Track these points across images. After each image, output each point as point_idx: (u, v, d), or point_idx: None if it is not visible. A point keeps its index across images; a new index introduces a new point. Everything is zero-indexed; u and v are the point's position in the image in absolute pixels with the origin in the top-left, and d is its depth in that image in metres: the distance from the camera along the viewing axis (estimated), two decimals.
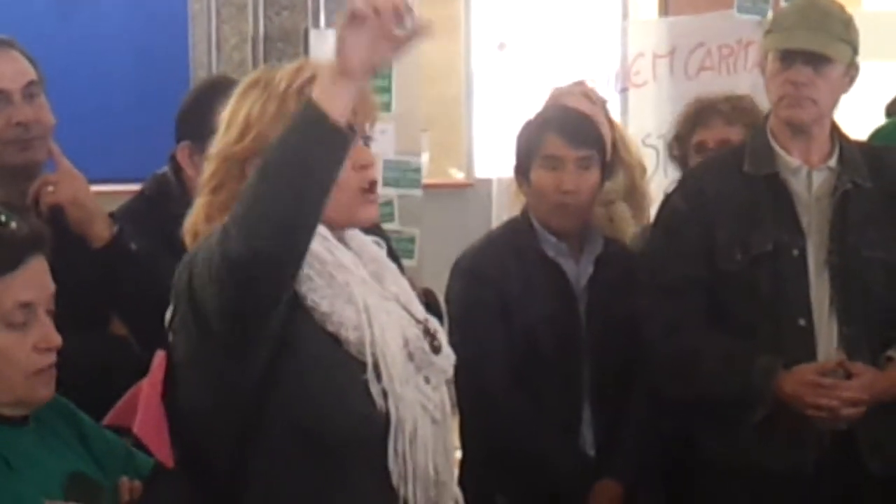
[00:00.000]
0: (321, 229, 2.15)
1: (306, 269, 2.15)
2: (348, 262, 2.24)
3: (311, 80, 2.17)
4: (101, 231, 2.81)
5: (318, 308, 2.18)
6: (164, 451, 2.19)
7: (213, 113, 2.99)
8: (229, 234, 1.99)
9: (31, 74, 2.87)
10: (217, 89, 3.06)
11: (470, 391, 3.23)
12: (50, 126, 2.88)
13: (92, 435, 2.16)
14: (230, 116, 2.27)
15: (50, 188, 2.81)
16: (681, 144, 3.74)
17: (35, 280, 2.05)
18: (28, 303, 2.03)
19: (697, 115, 3.70)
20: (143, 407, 2.23)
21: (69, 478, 2.04)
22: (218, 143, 2.28)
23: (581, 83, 4.30)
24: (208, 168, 2.28)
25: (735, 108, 3.67)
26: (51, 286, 2.08)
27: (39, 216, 2.74)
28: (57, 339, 2.06)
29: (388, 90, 5.00)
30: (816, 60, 3.06)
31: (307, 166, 1.98)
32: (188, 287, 2.11)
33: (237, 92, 2.29)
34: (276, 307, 2.09)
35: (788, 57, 3.08)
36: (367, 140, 2.29)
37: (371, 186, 2.27)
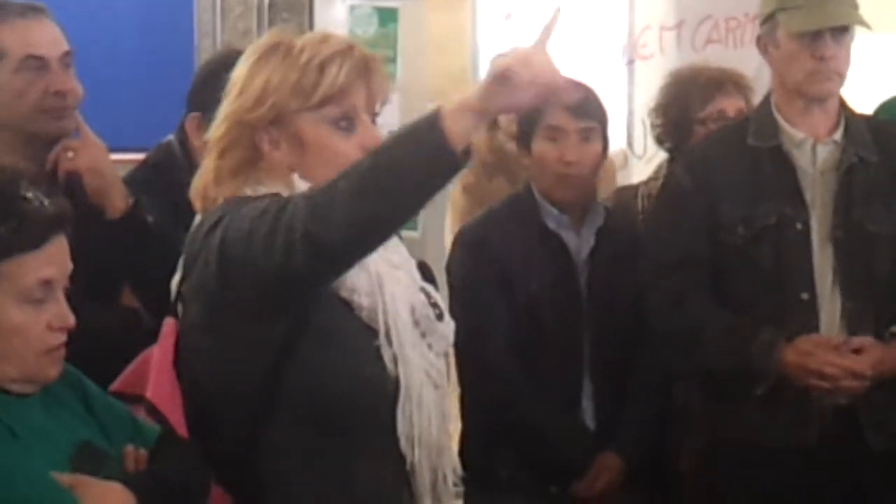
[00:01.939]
0: None
1: None
2: None
3: (336, 54, 2.21)
4: (118, 201, 2.82)
5: None
6: (177, 418, 2.20)
7: (223, 87, 3.02)
8: (326, 219, 1.99)
9: (66, 45, 2.87)
10: (231, 63, 3.08)
11: (470, 363, 3.24)
12: (80, 97, 2.89)
13: (98, 403, 2.15)
14: (246, 80, 2.26)
15: (70, 154, 2.82)
16: (684, 116, 3.67)
17: (56, 258, 2.05)
18: (49, 280, 2.03)
19: (716, 83, 3.65)
20: (156, 374, 2.24)
21: (76, 447, 2.04)
22: (231, 105, 2.27)
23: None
24: (218, 129, 2.28)
25: (739, 79, 3.67)
26: (69, 265, 2.08)
27: (56, 181, 2.74)
28: (71, 320, 2.06)
29: (393, 61, 4.98)
30: (839, 32, 3.05)
31: (416, 183, 2.00)
32: (219, 253, 2.12)
33: (254, 54, 2.28)
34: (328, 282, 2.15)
35: (812, 32, 3.04)
36: (374, 117, 2.30)
37: None
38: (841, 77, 3.09)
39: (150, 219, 2.85)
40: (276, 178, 2.23)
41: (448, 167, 1.99)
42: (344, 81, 2.22)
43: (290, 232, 2.02)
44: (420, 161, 1.98)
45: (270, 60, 2.25)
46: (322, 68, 2.22)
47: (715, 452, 3.15)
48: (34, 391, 2.05)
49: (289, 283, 2.08)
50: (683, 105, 3.69)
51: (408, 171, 1.98)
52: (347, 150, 2.22)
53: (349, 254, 2.07)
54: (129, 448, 2.11)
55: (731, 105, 3.61)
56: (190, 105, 3.13)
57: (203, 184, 2.29)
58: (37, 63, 2.81)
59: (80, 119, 2.86)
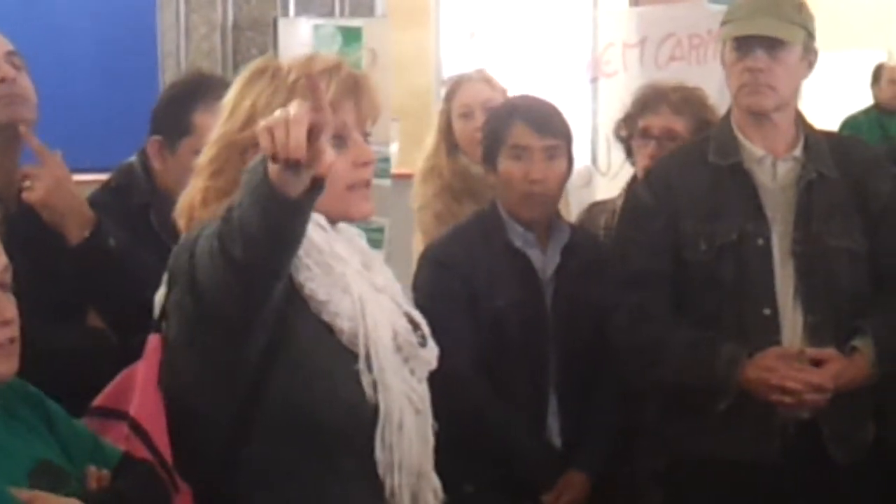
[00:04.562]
0: (320, 219, 2.20)
1: (304, 259, 2.17)
2: (344, 252, 2.27)
3: (323, 73, 2.21)
4: (76, 230, 2.80)
5: (315, 297, 2.20)
6: (161, 435, 2.20)
7: (188, 112, 3.04)
8: (231, 235, 1.98)
9: (10, 46, 2.86)
10: (197, 88, 3.10)
11: (436, 379, 3.23)
12: (30, 92, 2.87)
13: (60, 423, 2.15)
14: (234, 103, 2.27)
15: (27, 183, 2.80)
16: (628, 127, 3.73)
17: None
18: None
19: (646, 101, 3.69)
20: (141, 390, 2.24)
21: (36, 466, 2.03)
22: (220, 129, 2.28)
23: (482, 70, 4.37)
24: (208, 152, 2.28)
25: (684, 99, 3.65)
26: (3, 260, 2.07)
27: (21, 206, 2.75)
28: (11, 312, 2.05)
29: None
30: (772, 46, 3.08)
31: (269, 230, 1.96)
32: (189, 269, 2.11)
33: (242, 78, 2.29)
34: (269, 299, 2.10)
35: (745, 45, 3.09)
36: (367, 137, 2.30)
37: (366, 183, 2.29)
38: (775, 92, 3.10)
39: (112, 243, 2.84)
40: None
41: (290, 211, 1.95)
42: (332, 99, 2.21)
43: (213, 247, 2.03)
44: (263, 213, 1.95)
45: (258, 83, 2.26)
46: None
47: (677, 467, 3.16)
48: None
49: (234, 296, 2.06)
50: (627, 117, 3.74)
51: (259, 222, 1.95)
52: (339, 167, 2.19)
53: (257, 268, 2.02)
54: (91, 468, 2.11)
55: (656, 124, 3.62)
56: (152, 126, 3.12)
57: (189, 204, 2.28)
58: None
59: (39, 145, 2.85)
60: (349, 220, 2.32)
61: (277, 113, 1.91)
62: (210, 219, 2.17)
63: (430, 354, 2.37)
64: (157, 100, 3.19)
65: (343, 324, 2.20)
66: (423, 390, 2.35)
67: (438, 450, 3.36)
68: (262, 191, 1.93)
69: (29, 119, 2.85)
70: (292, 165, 1.90)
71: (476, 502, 3.28)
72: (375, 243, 4.85)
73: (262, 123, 1.91)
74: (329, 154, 1.94)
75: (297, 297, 2.19)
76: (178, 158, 2.99)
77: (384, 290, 2.33)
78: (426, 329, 2.38)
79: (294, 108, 1.90)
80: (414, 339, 2.33)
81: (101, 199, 3.09)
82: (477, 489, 3.28)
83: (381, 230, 5.03)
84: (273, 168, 1.91)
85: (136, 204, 3.04)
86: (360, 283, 2.26)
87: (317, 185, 1.95)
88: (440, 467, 3.32)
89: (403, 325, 2.33)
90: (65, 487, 2.03)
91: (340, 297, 2.21)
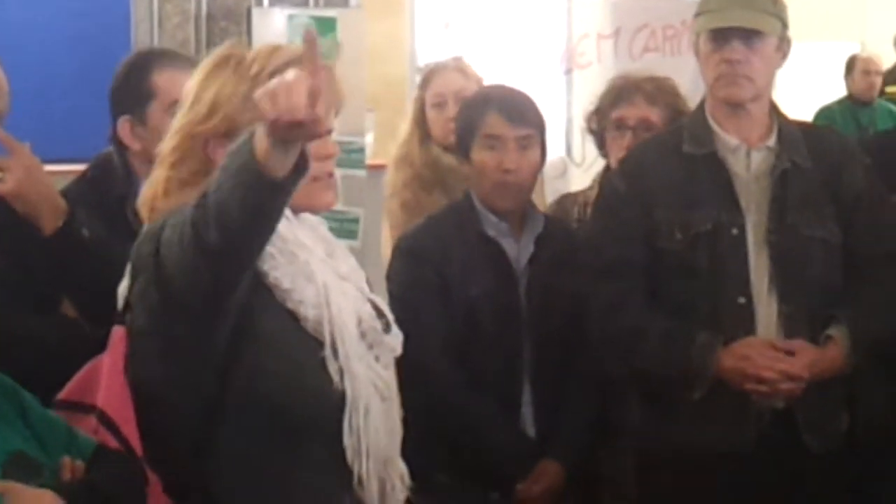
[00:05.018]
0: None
1: (269, 248, 2.17)
2: (307, 240, 2.27)
3: (287, 64, 2.18)
4: (49, 220, 2.79)
5: (280, 285, 2.21)
6: (130, 427, 2.20)
7: (145, 78, 3.01)
8: (206, 220, 1.99)
9: None
10: (145, 60, 3.08)
11: (408, 368, 3.23)
12: (5, 86, 2.85)
13: (34, 414, 2.15)
14: (197, 92, 2.26)
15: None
16: (600, 119, 3.72)
17: None
18: None
19: (620, 92, 3.69)
20: (107, 382, 2.24)
21: (9, 457, 2.03)
22: (182, 118, 2.27)
23: (458, 59, 4.37)
24: (170, 142, 2.27)
25: (658, 89, 3.65)
26: None
27: None
28: None
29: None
30: (749, 37, 3.09)
31: (250, 212, 1.98)
32: (154, 259, 2.11)
33: (205, 67, 2.28)
34: (236, 288, 2.11)
35: (721, 36, 3.10)
36: (329, 130, 2.29)
37: (329, 174, 2.29)
38: (752, 82, 3.11)
39: (85, 233, 2.83)
40: None
41: (272, 190, 1.96)
42: None
43: (184, 235, 2.04)
44: (245, 192, 1.96)
45: (221, 73, 2.25)
46: (273, 79, 2.21)
47: (652, 456, 3.17)
48: None
49: (203, 283, 2.07)
50: (599, 109, 3.72)
51: (240, 201, 1.97)
52: None
53: (231, 250, 2.04)
54: (66, 459, 2.11)
55: (632, 114, 3.61)
56: (115, 110, 3.08)
57: (152, 195, 2.28)
58: None
59: (7, 137, 2.83)
60: (313, 210, 2.33)
61: (275, 80, 1.92)
62: (172, 209, 2.17)
63: (395, 341, 2.38)
64: (111, 83, 3.13)
65: (308, 311, 2.21)
66: (390, 377, 2.36)
67: (411, 438, 3.38)
68: (249, 169, 1.93)
69: None
70: (292, 131, 1.90)
71: (450, 492, 3.29)
72: (350, 233, 4.86)
73: (260, 91, 1.92)
74: (329, 118, 1.94)
75: (261, 286, 2.19)
76: (152, 127, 2.95)
77: (348, 278, 2.34)
78: (390, 316, 2.39)
79: (290, 73, 1.91)
80: (378, 325, 2.34)
81: (77, 191, 3.08)
82: (451, 479, 3.29)
83: (356, 220, 5.04)
84: (262, 146, 1.92)
85: (112, 195, 3.02)
86: (325, 271, 2.26)
87: (301, 166, 1.96)
88: (414, 456, 3.33)
89: (368, 311, 2.34)
90: (38, 479, 2.03)
91: (305, 285, 2.22)
